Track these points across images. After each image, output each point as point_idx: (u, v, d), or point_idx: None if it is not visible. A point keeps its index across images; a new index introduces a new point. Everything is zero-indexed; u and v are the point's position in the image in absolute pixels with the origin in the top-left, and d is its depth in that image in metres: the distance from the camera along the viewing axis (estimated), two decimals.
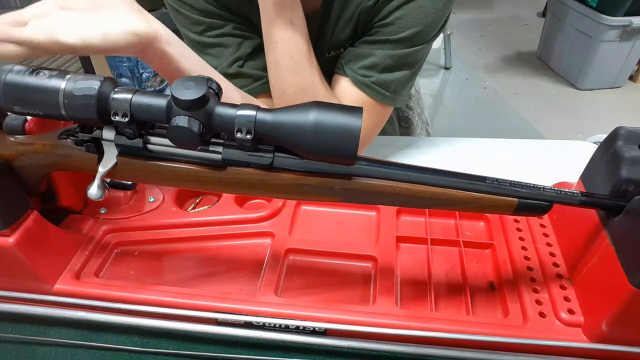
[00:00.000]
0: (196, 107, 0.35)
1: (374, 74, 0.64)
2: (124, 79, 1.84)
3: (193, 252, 0.54)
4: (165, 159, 0.40)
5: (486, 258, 0.54)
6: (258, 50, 0.68)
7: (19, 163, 0.43)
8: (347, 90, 0.65)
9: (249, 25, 0.68)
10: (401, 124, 0.99)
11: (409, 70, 0.65)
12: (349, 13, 0.65)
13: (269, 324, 0.46)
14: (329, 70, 0.69)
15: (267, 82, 0.67)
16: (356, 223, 0.58)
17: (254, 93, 0.69)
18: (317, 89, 0.63)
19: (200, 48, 0.69)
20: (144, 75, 1.86)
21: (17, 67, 0.37)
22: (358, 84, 0.64)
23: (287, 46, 0.60)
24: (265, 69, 0.67)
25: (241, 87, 0.67)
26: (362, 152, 0.71)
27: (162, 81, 1.94)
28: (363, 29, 0.66)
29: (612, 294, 0.40)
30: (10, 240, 0.43)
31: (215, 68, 0.68)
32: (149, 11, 0.46)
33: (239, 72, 0.68)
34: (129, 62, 1.80)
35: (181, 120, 0.35)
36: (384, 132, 0.92)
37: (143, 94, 0.37)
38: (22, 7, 0.41)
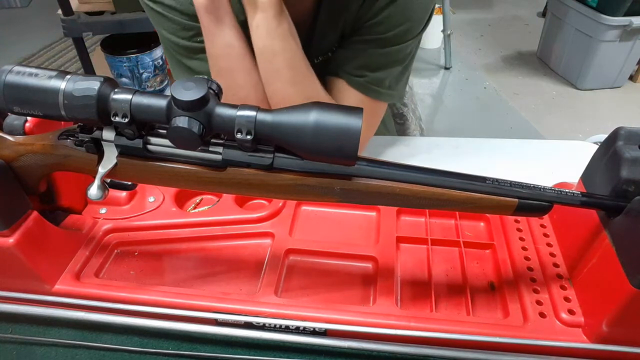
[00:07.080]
0: (196, 107, 0.35)
1: (367, 73, 0.64)
2: (124, 79, 1.84)
3: (193, 252, 0.54)
4: (165, 159, 0.40)
5: (486, 258, 0.54)
6: None
7: (19, 163, 0.43)
8: (343, 92, 0.65)
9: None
10: (396, 121, 0.99)
11: (401, 65, 0.66)
12: (334, 21, 0.65)
13: (269, 324, 0.46)
14: (317, 75, 0.69)
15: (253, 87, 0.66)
16: (356, 223, 0.58)
17: None
18: (319, 97, 0.63)
19: (188, 54, 0.67)
20: (144, 76, 1.85)
21: (17, 68, 0.37)
22: (353, 84, 0.64)
23: (287, 57, 0.59)
24: None
25: None
26: (361, 151, 0.71)
27: (162, 81, 1.93)
28: (352, 28, 0.66)
29: (612, 294, 0.40)
30: (11, 240, 0.43)
31: (204, 73, 0.67)
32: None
33: None
34: (129, 62, 1.80)
35: (181, 121, 0.35)
36: (378, 133, 0.92)
37: (143, 94, 0.36)
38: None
